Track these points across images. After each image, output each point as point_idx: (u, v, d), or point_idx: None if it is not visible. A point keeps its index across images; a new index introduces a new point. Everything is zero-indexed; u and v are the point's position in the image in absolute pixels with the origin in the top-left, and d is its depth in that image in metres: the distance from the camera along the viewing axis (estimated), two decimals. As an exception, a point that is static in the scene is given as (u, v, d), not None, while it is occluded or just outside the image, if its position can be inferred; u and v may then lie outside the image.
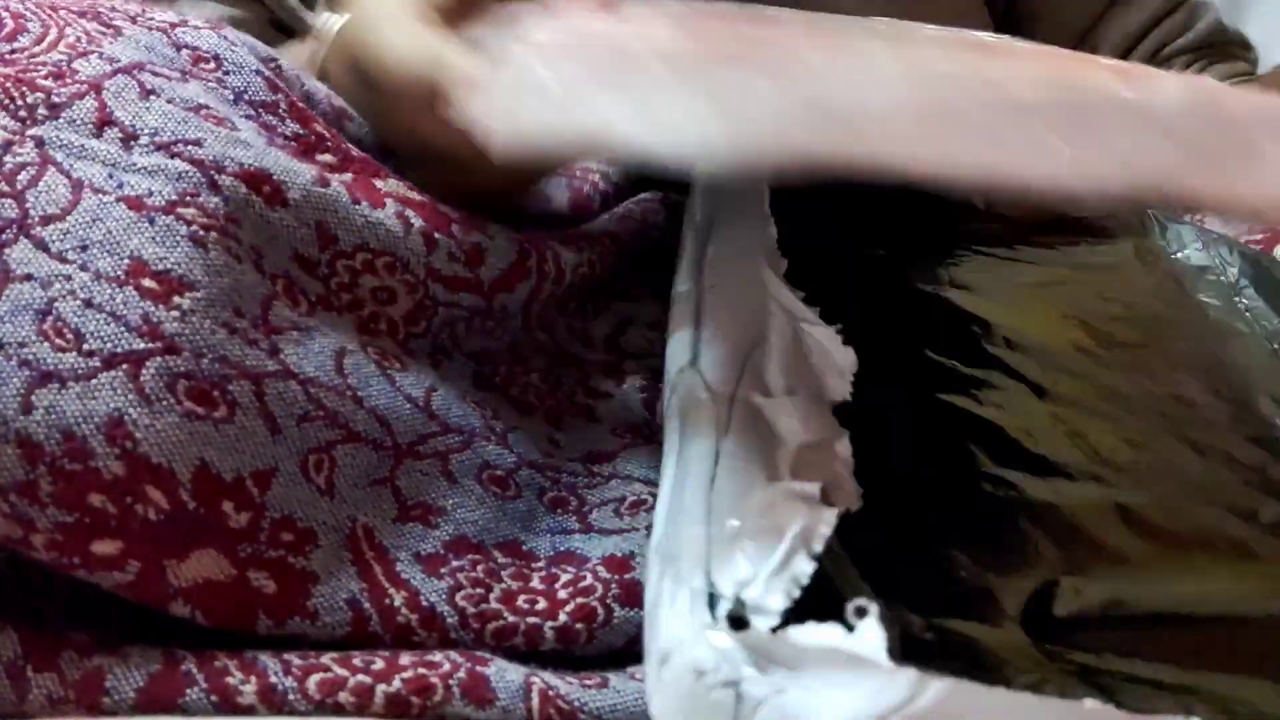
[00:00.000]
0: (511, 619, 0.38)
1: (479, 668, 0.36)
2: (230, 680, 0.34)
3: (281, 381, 0.37)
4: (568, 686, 0.37)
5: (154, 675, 0.34)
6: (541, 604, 0.39)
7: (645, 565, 0.39)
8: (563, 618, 0.38)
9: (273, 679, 0.34)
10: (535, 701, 0.36)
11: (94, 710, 0.33)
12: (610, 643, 0.39)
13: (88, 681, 0.33)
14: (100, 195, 0.36)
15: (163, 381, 0.34)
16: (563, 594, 0.39)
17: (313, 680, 0.34)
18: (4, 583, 0.34)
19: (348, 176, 0.42)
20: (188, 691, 0.34)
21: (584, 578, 0.40)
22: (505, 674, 0.36)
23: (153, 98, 0.38)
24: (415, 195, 0.43)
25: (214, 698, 0.34)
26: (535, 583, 0.39)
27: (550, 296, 0.46)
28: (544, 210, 0.51)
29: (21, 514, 0.32)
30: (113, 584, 0.33)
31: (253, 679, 0.34)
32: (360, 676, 0.35)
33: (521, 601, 0.38)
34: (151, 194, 0.36)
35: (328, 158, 0.42)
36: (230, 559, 0.35)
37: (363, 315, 0.41)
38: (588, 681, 0.37)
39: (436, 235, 0.42)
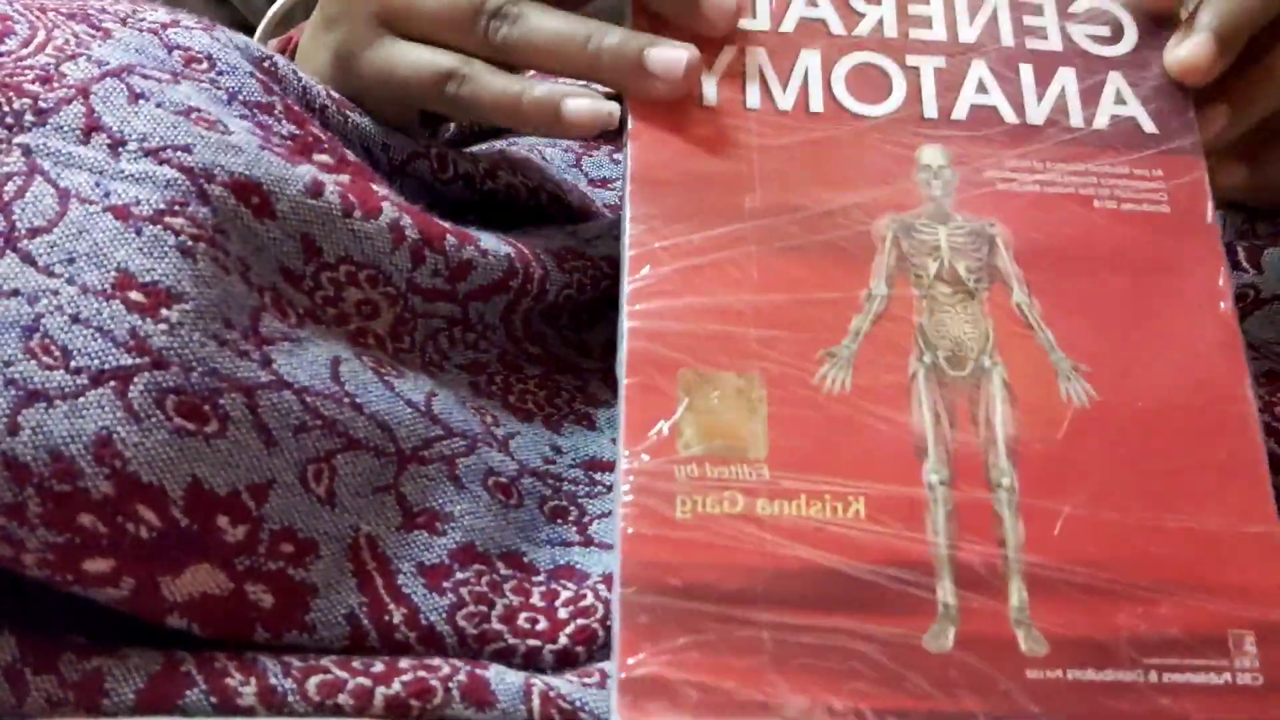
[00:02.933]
0: (511, 641, 0.38)
1: (478, 670, 0.36)
2: (230, 681, 0.34)
3: (275, 392, 0.36)
4: (568, 686, 0.36)
5: (153, 676, 0.34)
6: (542, 624, 0.38)
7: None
8: (562, 640, 0.38)
9: (272, 680, 0.34)
10: (536, 703, 0.36)
11: (93, 712, 0.33)
12: (607, 661, 0.38)
13: (87, 683, 0.33)
14: (87, 205, 0.35)
15: (151, 398, 0.33)
16: (563, 613, 0.39)
17: (312, 682, 0.35)
18: (1, 585, 0.34)
19: (345, 178, 0.41)
20: (187, 693, 0.34)
21: (584, 596, 0.39)
22: (505, 676, 0.36)
23: (141, 102, 0.38)
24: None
25: (213, 699, 0.34)
26: (536, 599, 0.39)
27: (530, 311, 0.45)
28: (554, 195, 0.51)
29: (10, 535, 0.32)
30: (107, 599, 0.33)
31: (252, 680, 0.34)
32: (360, 679, 0.35)
33: (522, 621, 0.38)
34: (139, 203, 0.36)
35: (325, 158, 0.41)
36: (227, 572, 0.35)
37: (350, 330, 0.41)
38: (588, 680, 0.37)
39: (426, 252, 0.41)
